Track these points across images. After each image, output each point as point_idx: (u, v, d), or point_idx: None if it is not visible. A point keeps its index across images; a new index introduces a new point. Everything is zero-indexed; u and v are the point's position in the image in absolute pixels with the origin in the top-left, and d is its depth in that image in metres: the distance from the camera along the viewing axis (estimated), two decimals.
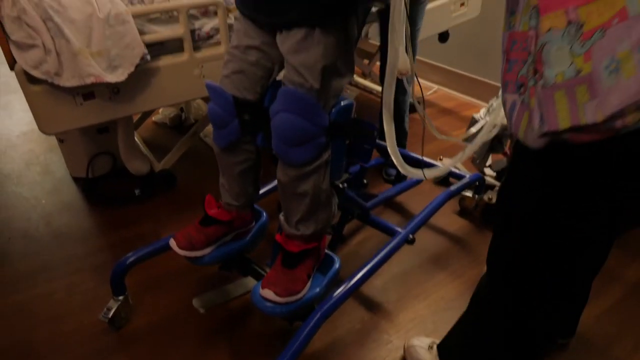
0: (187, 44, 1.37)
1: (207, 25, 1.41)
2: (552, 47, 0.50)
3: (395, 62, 0.84)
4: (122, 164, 1.69)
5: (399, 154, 0.95)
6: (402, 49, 0.83)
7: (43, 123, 1.27)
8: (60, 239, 1.54)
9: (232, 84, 0.98)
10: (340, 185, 1.10)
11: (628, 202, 0.57)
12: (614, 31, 0.46)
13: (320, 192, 0.99)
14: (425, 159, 1.65)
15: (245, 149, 1.06)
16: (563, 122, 0.51)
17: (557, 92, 0.51)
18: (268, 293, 0.97)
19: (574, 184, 0.58)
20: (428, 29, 1.97)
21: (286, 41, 0.90)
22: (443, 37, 2.13)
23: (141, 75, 1.32)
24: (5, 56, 1.19)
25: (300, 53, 0.88)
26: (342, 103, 0.97)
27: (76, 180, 1.83)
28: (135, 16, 1.26)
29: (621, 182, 0.56)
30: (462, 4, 2.01)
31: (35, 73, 1.17)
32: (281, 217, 1.07)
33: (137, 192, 1.71)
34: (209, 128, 2.06)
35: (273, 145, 0.95)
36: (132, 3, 1.30)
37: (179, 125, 2.23)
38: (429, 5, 1.93)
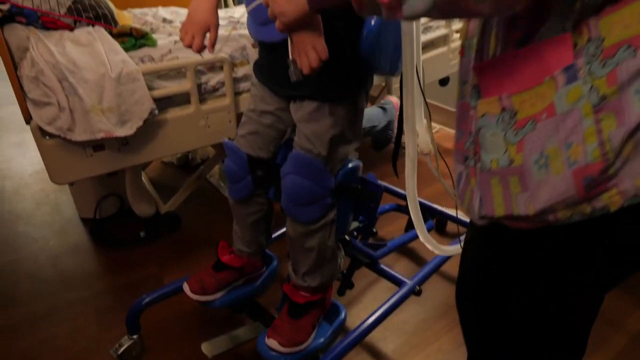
0: (194, 98, 1.44)
1: (213, 79, 1.48)
2: (487, 132, 0.50)
3: (414, 148, 0.88)
4: (129, 205, 1.75)
5: (431, 239, 1.02)
6: (422, 129, 0.88)
7: (54, 174, 1.33)
8: (65, 282, 1.58)
9: (247, 144, 1.06)
10: (347, 238, 1.15)
11: (569, 289, 0.55)
12: (543, 126, 0.45)
13: (326, 248, 1.05)
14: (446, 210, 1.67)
15: (257, 201, 1.13)
16: (498, 208, 0.50)
17: (492, 178, 0.50)
18: (272, 343, 1.02)
19: (514, 265, 0.57)
20: (429, 75, 2.04)
21: (299, 111, 0.96)
22: (443, 82, 2.19)
23: (149, 127, 1.38)
24: (22, 112, 1.26)
25: (311, 123, 0.94)
26: (350, 165, 1.04)
27: (84, 220, 1.88)
28: (145, 73, 1.33)
29: (553, 272, 0.54)
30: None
31: (49, 129, 1.24)
32: (290, 266, 1.12)
33: (142, 234, 1.75)
34: (216, 169, 2.12)
35: (282, 203, 1.01)
36: (142, 61, 1.37)
37: (186, 164, 2.29)
38: (430, 54, 2.00)
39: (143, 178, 1.93)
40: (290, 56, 0.73)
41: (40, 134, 1.27)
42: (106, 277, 1.61)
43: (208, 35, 0.91)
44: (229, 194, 1.14)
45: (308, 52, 0.69)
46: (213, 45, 0.91)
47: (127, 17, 1.69)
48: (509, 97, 0.48)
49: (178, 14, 1.95)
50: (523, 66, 0.46)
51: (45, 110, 1.23)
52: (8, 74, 1.22)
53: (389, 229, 1.80)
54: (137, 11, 1.96)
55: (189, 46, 0.90)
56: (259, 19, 0.87)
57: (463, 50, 0.58)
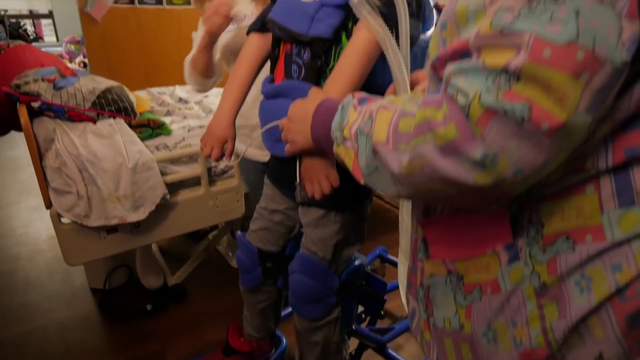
0: (204, 181, 1.52)
1: (222, 162, 1.57)
2: (437, 291, 0.51)
3: (407, 243, 0.93)
4: (138, 276, 1.80)
5: None
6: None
7: (69, 256, 1.39)
8: (72, 357, 1.60)
9: (258, 238, 1.13)
10: (353, 327, 1.19)
11: None
12: (488, 300, 0.45)
13: (330, 343, 1.09)
14: None
15: (267, 290, 1.19)
16: None
17: (446, 338, 0.51)
18: None
19: None
20: None
21: (306, 215, 1.02)
22: None
23: (161, 209, 1.45)
24: (44, 199, 1.35)
25: (317, 228, 1.00)
26: (356, 263, 1.08)
27: (93, 291, 1.93)
28: (160, 161, 1.42)
29: None
30: None
31: (68, 216, 1.31)
32: (297, 355, 1.16)
33: (149, 307, 1.78)
34: (224, 237, 2.17)
35: (289, 299, 1.07)
36: (158, 149, 1.47)
37: (195, 232, 2.35)
38: None
39: (152, 247, 1.99)
40: (297, 178, 0.78)
41: (58, 218, 1.35)
42: (112, 353, 1.62)
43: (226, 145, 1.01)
44: (240, 283, 1.20)
45: (321, 181, 0.75)
46: (230, 155, 1.00)
47: (146, 100, 1.81)
48: (453, 263, 0.49)
49: (193, 93, 2.09)
50: (466, 233, 0.48)
51: (65, 199, 1.32)
52: (33, 165, 1.32)
53: (397, 302, 1.80)
54: (155, 90, 2.11)
55: (208, 156, 0.99)
56: (273, 135, 0.95)
57: None
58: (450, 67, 0.39)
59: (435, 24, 0.97)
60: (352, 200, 1.00)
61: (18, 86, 1.35)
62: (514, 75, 0.34)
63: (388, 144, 0.44)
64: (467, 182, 0.38)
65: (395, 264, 1.85)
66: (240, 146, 1.28)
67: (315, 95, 0.66)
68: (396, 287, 1.80)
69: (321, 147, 0.63)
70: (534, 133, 0.34)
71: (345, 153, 0.52)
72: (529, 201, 0.44)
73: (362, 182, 0.50)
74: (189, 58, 1.33)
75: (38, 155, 1.32)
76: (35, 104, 1.35)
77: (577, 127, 0.35)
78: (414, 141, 0.40)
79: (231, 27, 1.23)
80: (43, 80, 1.39)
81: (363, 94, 0.56)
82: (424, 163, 0.40)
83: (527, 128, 0.34)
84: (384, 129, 0.45)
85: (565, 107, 0.33)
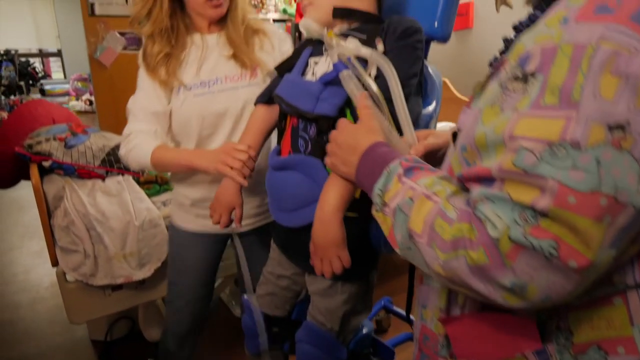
0: None
1: None
2: None
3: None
4: (140, 328, 1.77)
5: None
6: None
7: (73, 315, 1.38)
8: None
9: (265, 303, 1.12)
10: None
11: None
12: None
13: None
14: None
15: (273, 355, 1.15)
16: None
17: None
18: None
19: None
20: None
21: (313, 284, 1.02)
22: None
23: (166, 265, 1.45)
24: (50, 257, 1.35)
25: (324, 298, 0.99)
26: (364, 331, 1.07)
27: (94, 342, 1.90)
28: (167, 217, 1.43)
29: None
30: None
31: (74, 275, 1.32)
32: None
33: None
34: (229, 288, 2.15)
35: None
36: (164, 205, 1.49)
37: None
38: None
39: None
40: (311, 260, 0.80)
41: (63, 276, 1.35)
42: None
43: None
44: (245, 347, 1.18)
45: (333, 261, 0.76)
46: (239, 221, 1.02)
47: None
48: None
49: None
50: (491, 334, 0.49)
51: (72, 257, 1.32)
52: (42, 223, 1.34)
53: (404, 355, 1.77)
54: None
55: (217, 223, 1.00)
56: (279, 205, 0.97)
57: (422, 278, 0.60)
58: (476, 191, 0.42)
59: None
60: (358, 270, 1.00)
61: (30, 146, 1.38)
62: (540, 212, 0.37)
63: (423, 237, 0.45)
64: (497, 301, 0.40)
65: (400, 316, 1.83)
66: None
67: (369, 130, 0.64)
68: (403, 341, 1.78)
69: (363, 189, 0.62)
70: (562, 268, 0.36)
71: (383, 220, 0.53)
72: (556, 309, 0.45)
73: (397, 251, 0.51)
74: (147, 146, 1.10)
75: (47, 215, 1.34)
76: (47, 164, 1.38)
77: (603, 262, 0.37)
78: (448, 254, 0.42)
79: (202, 90, 1.13)
80: (55, 139, 1.42)
81: (411, 162, 0.54)
82: (455, 275, 0.42)
83: (555, 263, 0.36)
84: (421, 220, 0.46)
85: (591, 247, 0.36)
